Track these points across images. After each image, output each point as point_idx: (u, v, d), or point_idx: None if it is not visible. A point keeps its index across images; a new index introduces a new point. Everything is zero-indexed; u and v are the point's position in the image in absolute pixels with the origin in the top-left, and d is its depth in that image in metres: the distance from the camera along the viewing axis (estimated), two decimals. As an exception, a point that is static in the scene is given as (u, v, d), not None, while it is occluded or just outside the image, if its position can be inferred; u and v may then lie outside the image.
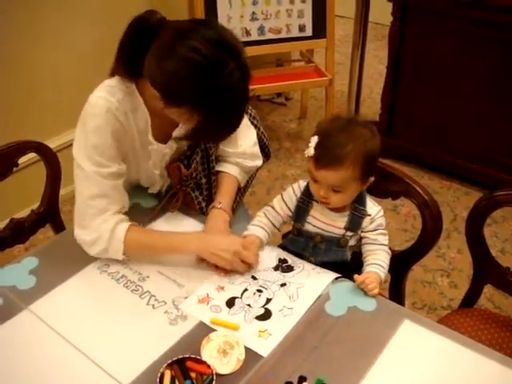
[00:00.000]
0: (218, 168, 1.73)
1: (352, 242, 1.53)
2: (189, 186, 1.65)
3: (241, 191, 1.84)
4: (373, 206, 1.52)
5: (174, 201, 1.67)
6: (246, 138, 1.75)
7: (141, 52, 1.34)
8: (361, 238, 1.53)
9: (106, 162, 1.46)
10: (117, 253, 1.47)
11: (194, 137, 1.40)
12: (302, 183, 1.57)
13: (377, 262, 1.46)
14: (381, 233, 1.51)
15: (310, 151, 1.41)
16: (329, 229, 1.52)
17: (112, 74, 1.48)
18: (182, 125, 1.39)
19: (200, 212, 1.70)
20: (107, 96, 1.43)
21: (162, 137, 1.56)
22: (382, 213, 1.52)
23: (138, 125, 1.51)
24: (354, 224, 1.51)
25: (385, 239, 1.51)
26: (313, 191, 1.50)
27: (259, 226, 1.57)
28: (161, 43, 1.31)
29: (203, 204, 1.70)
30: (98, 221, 1.46)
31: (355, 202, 1.50)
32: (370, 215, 1.51)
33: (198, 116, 1.31)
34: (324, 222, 1.52)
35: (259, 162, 1.81)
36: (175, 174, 1.63)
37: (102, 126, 1.43)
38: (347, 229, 1.51)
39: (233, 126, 1.39)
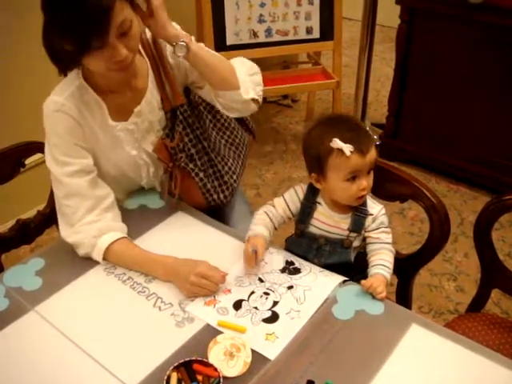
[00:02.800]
0: None
1: (356, 243, 1.52)
2: (181, 161, 1.63)
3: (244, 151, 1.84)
4: (374, 206, 1.52)
5: (173, 181, 1.66)
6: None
7: None
8: (365, 239, 1.53)
9: (68, 159, 1.50)
10: (98, 258, 1.52)
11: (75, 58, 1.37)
12: (304, 186, 1.57)
13: (381, 263, 1.45)
14: (383, 231, 1.50)
15: (350, 147, 1.39)
16: (333, 230, 1.52)
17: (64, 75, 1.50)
18: None
19: (203, 187, 1.68)
20: (54, 97, 1.49)
21: (124, 115, 1.57)
22: (383, 211, 1.52)
23: (95, 115, 1.53)
24: (358, 225, 1.50)
25: (388, 237, 1.50)
26: (352, 193, 1.45)
27: (262, 224, 1.55)
28: None
29: (201, 175, 1.67)
30: (79, 221, 1.51)
31: None
32: (372, 214, 1.50)
33: (65, 38, 1.31)
34: (328, 224, 1.52)
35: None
36: (162, 152, 1.62)
37: (55, 126, 1.48)
38: (351, 230, 1.50)
39: (76, 43, 1.31)
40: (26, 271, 1.49)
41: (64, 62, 1.43)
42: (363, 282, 1.39)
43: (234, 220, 1.83)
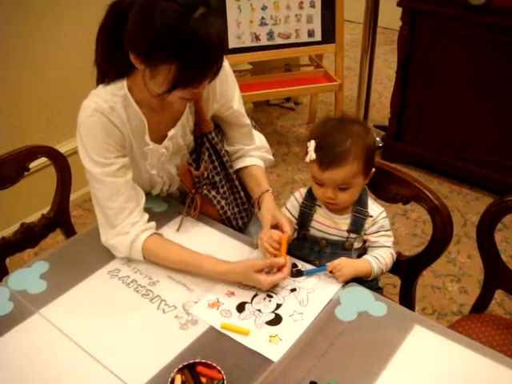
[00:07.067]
0: (244, 164, 1.73)
1: (357, 245, 1.53)
2: (204, 188, 1.65)
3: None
4: (374, 208, 1.52)
5: (193, 206, 1.67)
6: (257, 134, 1.79)
7: (121, 39, 1.34)
8: (366, 241, 1.53)
9: (107, 160, 1.47)
10: (138, 258, 1.52)
11: (172, 89, 1.35)
12: (303, 190, 1.58)
13: (373, 254, 1.47)
14: (383, 234, 1.51)
15: (312, 156, 1.42)
16: (333, 232, 1.52)
17: (101, 81, 1.49)
18: (165, 85, 1.36)
19: (223, 215, 1.69)
20: (99, 101, 1.45)
21: (158, 137, 1.57)
22: (384, 214, 1.52)
23: (134, 128, 1.52)
24: (357, 226, 1.50)
25: (387, 241, 1.50)
26: (318, 196, 1.50)
27: None
28: (136, 9, 1.30)
29: (223, 202, 1.69)
30: (122, 222, 1.49)
31: (357, 203, 1.51)
32: (371, 216, 1.50)
33: (174, 68, 1.30)
34: (328, 225, 1.53)
35: (272, 157, 1.84)
36: (187, 178, 1.63)
37: (97, 128, 1.45)
38: (350, 231, 1.51)
39: (201, 75, 1.34)
40: (30, 274, 1.50)
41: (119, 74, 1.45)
42: (329, 263, 1.44)
43: (246, 233, 1.81)
